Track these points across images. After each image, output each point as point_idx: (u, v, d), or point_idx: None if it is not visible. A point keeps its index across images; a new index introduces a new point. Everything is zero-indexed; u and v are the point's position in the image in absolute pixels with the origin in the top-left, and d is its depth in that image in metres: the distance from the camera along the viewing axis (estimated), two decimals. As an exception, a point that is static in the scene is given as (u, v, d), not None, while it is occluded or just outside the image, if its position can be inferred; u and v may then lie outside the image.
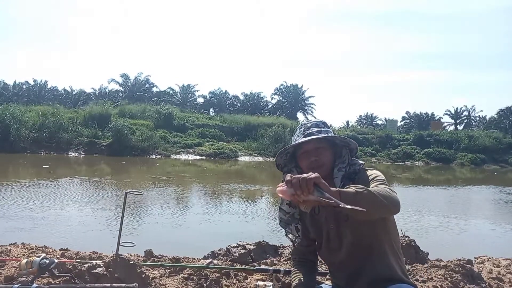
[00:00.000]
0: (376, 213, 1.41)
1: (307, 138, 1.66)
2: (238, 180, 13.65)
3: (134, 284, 2.03)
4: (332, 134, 1.72)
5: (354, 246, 1.60)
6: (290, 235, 1.80)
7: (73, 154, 20.82)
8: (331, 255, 1.69)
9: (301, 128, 1.75)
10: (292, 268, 1.88)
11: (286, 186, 1.27)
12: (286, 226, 1.80)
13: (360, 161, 1.71)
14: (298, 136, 1.73)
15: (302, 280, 1.73)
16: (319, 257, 1.82)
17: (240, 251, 3.36)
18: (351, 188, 1.34)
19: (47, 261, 2.05)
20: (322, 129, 1.71)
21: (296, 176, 1.27)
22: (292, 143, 1.74)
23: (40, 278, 2.21)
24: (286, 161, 1.77)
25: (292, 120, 33.83)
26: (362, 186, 1.36)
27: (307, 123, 1.75)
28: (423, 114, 60.86)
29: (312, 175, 1.25)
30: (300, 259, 1.84)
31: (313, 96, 60.66)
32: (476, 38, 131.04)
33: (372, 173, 1.64)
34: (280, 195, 1.31)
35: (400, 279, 1.55)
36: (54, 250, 3.42)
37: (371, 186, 1.50)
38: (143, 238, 5.22)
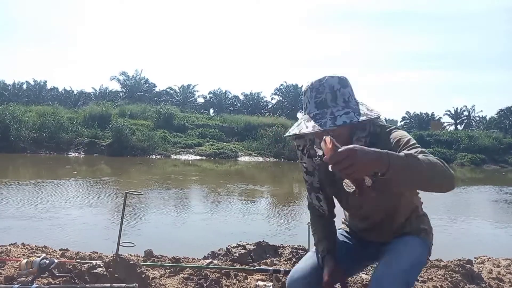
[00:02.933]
0: (425, 188, 1.23)
1: (320, 129, 1.36)
2: (238, 180, 13.65)
3: (134, 284, 2.04)
4: (350, 97, 1.43)
5: (374, 209, 1.55)
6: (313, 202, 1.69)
7: (73, 154, 20.81)
8: (350, 210, 1.69)
9: (312, 90, 1.44)
10: (311, 222, 1.76)
11: (329, 151, 1.09)
12: (309, 194, 1.69)
13: (381, 121, 1.49)
14: (308, 102, 1.45)
15: (324, 235, 1.65)
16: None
17: (240, 251, 3.36)
18: (405, 156, 1.15)
19: (47, 261, 2.05)
20: (338, 92, 1.41)
21: (337, 158, 1.07)
22: (304, 111, 1.47)
23: (40, 278, 2.21)
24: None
25: (292, 120, 33.77)
26: (411, 153, 1.17)
27: (320, 85, 1.43)
28: (423, 114, 60.85)
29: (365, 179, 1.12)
30: (318, 213, 1.71)
31: (313, 96, 60.47)
32: (476, 38, 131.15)
33: (398, 135, 1.39)
34: (323, 147, 1.13)
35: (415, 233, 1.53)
36: (54, 250, 3.41)
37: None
38: (143, 238, 5.22)
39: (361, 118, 1.37)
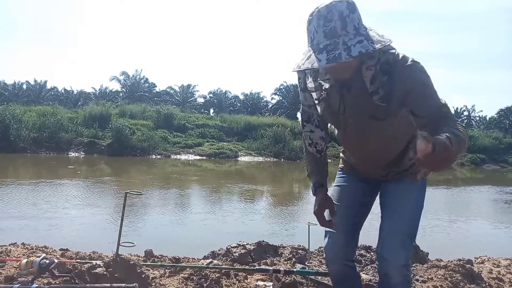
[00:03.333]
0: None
1: (331, 64, 1.29)
2: (238, 180, 13.65)
3: (134, 284, 2.04)
4: (360, 22, 1.34)
5: (370, 139, 1.59)
6: (307, 142, 1.74)
7: (73, 154, 20.81)
8: (346, 141, 1.73)
9: (319, 18, 1.33)
10: (304, 155, 1.83)
11: (428, 149, 1.06)
12: (304, 127, 1.73)
13: (392, 48, 1.41)
14: (316, 31, 1.34)
15: (316, 168, 1.74)
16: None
17: (240, 251, 3.36)
18: (457, 139, 1.19)
19: (47, 261, 2.06)
20: (347, 18, 1.31)
21: (439, 159, 1.07)
22: (310, 42, 1.37)
23: (40, 278, 2.21)
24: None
25: (292, 120, 33.77)
26: (459, 135, 1.21)
27: (328, 12, 1.31)
28: (423, 114, 60.75)
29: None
30: (312, 143, 1.75)
31: (313, 96, 60.51)
32: (476, 38, 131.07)
33: (420, 81, 1.37)
34: (421, 147, 1.08)
35: (414, 171, 1.57)
36: (54, 250, 3.41)
37: (425, 112, 1.35)
38: (143, 238, 5.22)
39: (377, 46, 1.29)
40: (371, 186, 1.77)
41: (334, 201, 1.73)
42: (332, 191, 1.82)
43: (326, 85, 1.55)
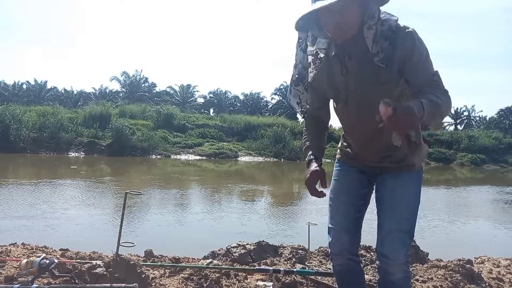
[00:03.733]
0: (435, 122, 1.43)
1: (329, 2, 1.38)
2: (238, 180, 13.65)
3: (134, 284, 2.04)
4: None
5: (373, 113, 1.56)
6: (296, 100, 1.78)
7: (73, 154, 20.82)
8: (346, 116, 1.73)
9: None
10: (303, 130, 1.89)
11: (388, 112, 1.22)
12: (296, 85, 1.75)
13: (394, 16, 1.49)
14: None
15: (312, 142, 1.80)
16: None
17: (240, 251, 3.36)
18: (431, 104, 1.33)
19: (47, 261, 2.05)
20: None
21: (403, 120, 1.23)
22: (312, 4, 1.46)
23: (40, 278, 2.21)
24: (306, 21, 1.55)
25: (292, 120, 33.81)
26: (435, 102, 1.35)
27: None
28: (423, 114, 60.75)
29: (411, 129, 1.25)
30: (311, 118, 1.83)
31: (313, 96, 60.52)
32: (476, 38, 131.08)
33: (421, 49, 1.47)
34: (382, 111, 1.24)
35: (411, 163, 1.60)
36: (54, 250, 3.41)
37: (419, 77, 1.46)
38: (143, 238, 5.22)
39: None
40: (367, 176, 1.78)
41: (334, 196, 1.80)
42: (331, 185, 1.84)
43: (322, 55, 1.62)
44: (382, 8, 1.51)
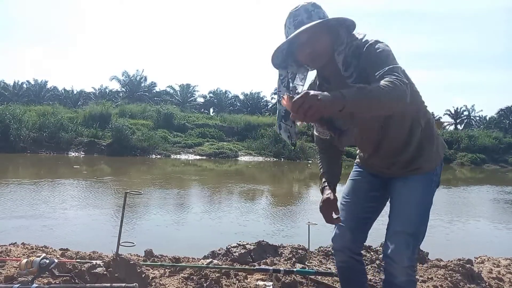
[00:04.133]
0: (379, 112, 1.45)
1: (297, 31, 1.49)
2: (238, 180, 13.65)
3: (134, 284, 2.03)
4: (325, 16, 1.56)
5: (365, 131, 1.67)
6: (286, 134, 1.81)
7: (73, 154, 20.81)
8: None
9: (290, 18, 1.58)
10: (318, 156, 1.96)
11: (288, 103, 1.25)
12: (285, 120, 1.80)
13: (360, 34, 1.57)
14: (289, 28, 1.57)
15: (326, 169, 1.85)
16: None
17: (240, 251, 3.36)
18: (359, 91, 1.30)
19: (47, 261, 2.05)
20: (313, 12, 1.54)
21: (298, 104, 1.22)
22: (285, 39, 1.58)
23: (40, 278, 2.21)
24: (284, 58, 1.66)
25: (292, 120, 33.72)
26: (368, 89, 1.31)
27: (295, 10, 1.57)
28: (423, 113, 60.67)
29: (312, 114, 1.22)
30: (321, 143, 1.87)
31: (313, 96, 60.48)
32: (476, 37, 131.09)
33: (377, 52, 1.49)
34: (284, 104, 1.29)
35: (417, 166, 1.64)
36: (54, 250, 3.41)
37: (376, 76, 1.44)
38: (143, 238, 5.22)
39: (334, 17, 1.51)
40: (380, 180, 1.81)
41: (344, 195, 1.86)
42: (346, 184, 1.93)
43: (299, 89, 1.71)
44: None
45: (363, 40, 1.54)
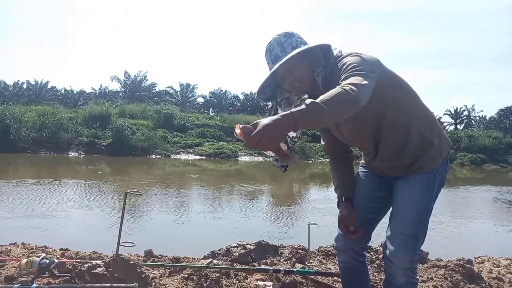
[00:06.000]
0: (334, 121, 1.51)
1: (274, 67, 1.55)
2: (238, 180, 13.65)
3: (134, 284, 2.03)
4: (297, 43, 1.59)
5: (358, 138, 1.73)
6: (275, 157, 1.84)
7: (73, 154, 20.81)
8: (351, 143, 1.85)
9: (266, 53, 1.64)
10: (330, 166, 1.97)
11: (239, 135, 1.26)
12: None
13: (336, 50, 1.61)
14: (268, 63, 1.64)
15: (338, 181, 1.87)
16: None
17: (240, 251, 3.36)
18: (303, 105, 1.29)
19: (47, 261, 2.05)
20: (285, 43, 1.58)
21: (247, 136, 1.24)
22: (267, 75, 1.63)
23: (40, 278, 2.21)
24: (273, 90, 1.72)
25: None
26: (311, 101, 1.29)
27: (269, 45, 1.62)
28: (423, 114, 60.64)
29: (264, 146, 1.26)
30: (330, 153, 1.92)
31: (313, 96, 60.57)
32: (476, 37, 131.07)
33: (345, 63, 1.52)
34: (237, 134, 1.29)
35: (419, 165, 1.64)
36: (54, 250, 3.41)
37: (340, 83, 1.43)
38: (143, 238, 5.22)
39: (307, 47, 1.54)
40: (385, 181, 1.80)
41: None
42: None
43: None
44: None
45: (338, 57, 1.58)
